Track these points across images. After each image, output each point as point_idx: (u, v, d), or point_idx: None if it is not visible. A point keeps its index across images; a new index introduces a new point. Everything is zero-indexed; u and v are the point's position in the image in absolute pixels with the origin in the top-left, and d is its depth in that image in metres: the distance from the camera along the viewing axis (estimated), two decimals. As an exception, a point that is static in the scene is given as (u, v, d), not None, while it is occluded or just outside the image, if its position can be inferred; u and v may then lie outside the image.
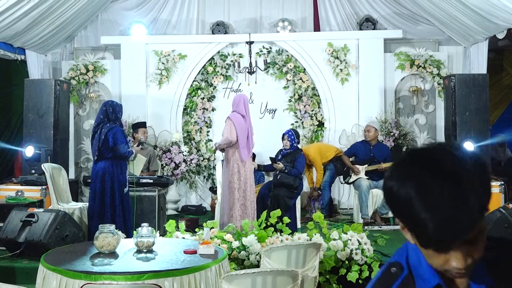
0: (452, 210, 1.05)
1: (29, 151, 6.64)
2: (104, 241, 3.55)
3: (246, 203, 5.74)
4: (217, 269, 3.32)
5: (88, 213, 5.66)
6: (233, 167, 5.73)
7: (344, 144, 8.11)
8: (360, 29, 8.44)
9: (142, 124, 7.53)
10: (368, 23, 8.38)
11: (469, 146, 6.45)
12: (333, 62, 8.32)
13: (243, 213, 5.67)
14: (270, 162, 6.81)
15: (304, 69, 8.43)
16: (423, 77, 8.40)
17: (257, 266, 4.49)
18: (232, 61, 8.52)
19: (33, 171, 6.62)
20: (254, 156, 7.55)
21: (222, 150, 5.91)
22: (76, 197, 7.10)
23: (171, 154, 8.13)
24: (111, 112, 5.60)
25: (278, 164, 6.41)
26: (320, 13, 8.71)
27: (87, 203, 5.85)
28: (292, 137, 6.59)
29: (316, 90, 8.42)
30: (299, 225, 6.50)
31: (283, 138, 6.67)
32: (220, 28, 8.48)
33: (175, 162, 8.13)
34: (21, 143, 6.99)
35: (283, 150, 6.64)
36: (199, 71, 8.52)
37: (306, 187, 7.55)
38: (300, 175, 6.44)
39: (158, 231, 4.80)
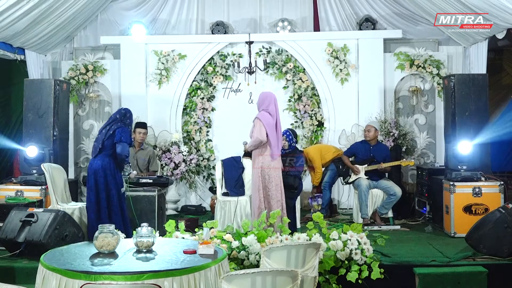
0: None
1: (32, 151, 6.63)
2: (103, 241, 3.55)
3: (271, 201, 5.68)
4: (216, 269, 3.32)
5: (87, 209, 5.69)
6: (257, 166, 5.71)
7: (344, 144, 8.12)
8: (360, 29, 8.45)
9: (141, 124, 7.47)
10: (367, 23, 8.38)
11: (466, 145, 6.45)
12: (333, 62, 8.33)
13: (268, 211, 5.58)
14: None
15: (304, 69, 8.44)
16: (423, 77, 8.40)
17: (257, 266, 4.50)
18: (231, 61, 8.52)
19: (34, 171, 6.62)
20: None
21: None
22: (75, 197, 7.10)
23: (171, 154, 8.13)
24: (127, 116, 5.84)
25: None
26: (320, 13, 8.71)
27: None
28: (290, 137, 6.56)
29: (316, 90, 8.43)
30: (298, 225, 6.50)
31: None
32: (219, 28, 8.48)
33: (174, 162, 8.12)
34: (20, 143, 6.98)
35: (282, 151, 6.62)
36: (199, 71, 8.52)
37: (305, 187, 7.55)
38: (299, 174, 6.43)
39: (158, 231, 4.79)
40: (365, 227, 6.26)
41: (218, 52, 8.52)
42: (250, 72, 8.42)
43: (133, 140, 7.41)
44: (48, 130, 6.85)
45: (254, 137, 5.67)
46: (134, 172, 6.09)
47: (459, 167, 6.49)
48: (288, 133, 6.59)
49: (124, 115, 5.83)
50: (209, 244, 3.56)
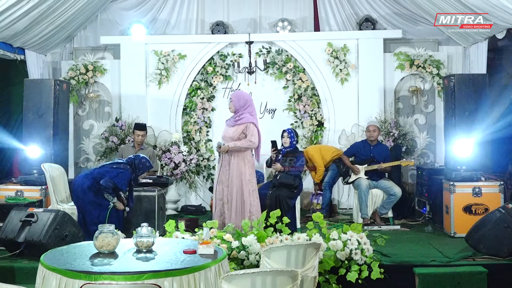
0: None
1: (34, 151, 6.63)
2: (103, 241, 3.55)
3: (258, 203, 5.75)
4: (216, 269, 3.32)
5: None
6: (250, 168, 5.69)
7: (344, 144, 8.11)
8: (360, 29, 8.45)
9: (139, 126, 7.45)
10: (367, 23, 8.39)
11: (466, 145, 6.44)
12: (333, 62, 8.33)
13: (258, 212, 5.64)
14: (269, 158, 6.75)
15: (304, 69, 8.44)
16: (423, 77, 8.40)
17: (257, 266, 4.50)
18: (231, 61, 8.52)
19: (34, 171, 6.62)
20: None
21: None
22: (75, 197, 7.09)
23: (171, 154, 8.13)
24: (137, 163, 5.75)
25: (276, 164, 6.41)
26: (320, 13, 8.71)
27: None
28: (292, 134, 6.59)
29: (316, 90, 8.43)
30: (298, 225, 6.50)
31: (282, 136, 6.66)
32: (219, 28, 8.48)
33: (174, 162, 8.12)
34: (20, 143, 6.99)
35: (283, 149, 6.63)
36: (199, 71, 8.52)
37: (306, 187, 7.55)
38: (299, 174, 6.44)
39: (158, 231, 4.79)
40: (365, 227, 6.27)
41: (218, 52, 8.52)
42: (250, 72, 8.41)
43: (132, 140, 7.43)
44: (48, 130, 6.84)
45: (252, 142, 5.60)
46: (119, 203, 5.63)
47: (459, 167, 6.50)
48: (290, 130, 6.65)
49: (137, 165, 5.73)
50: (209, 244, 3.55)
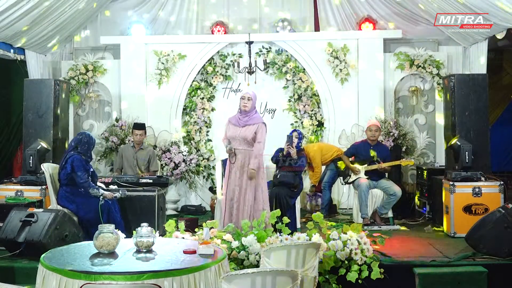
0: None
1: (34, 151, 6.64)
2: (103, 241, 3.55)
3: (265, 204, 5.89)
4: (216, 269, 3.32)
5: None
6: (262, 167, 5.80)
7: (344, 144, 8.11)
8: (360, 29, 8.45)
9: (138, 126, 7.45)
10: (367, 23, 8.39)
11: (466, 145, 6.45)
12: (333, 62, 8.32)
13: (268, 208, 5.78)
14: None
15: (304, 69, 8.43)
16: (423, 77, 8.40)
17: (257, 266, 4.50)
18: (231, 61, 8.52)
19: (34, 171, 6.61)
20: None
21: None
22: (75, 197, 7.08)
23: (171, 154, 8.13)
24: (84, 142, 5.66)
25: (291, 148, 6.38)
26: (320, 13, 8.70)
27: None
28: (300, 136, 6.64)
29: (316, 90, 8.42)
30: (298, 225, 6.50)
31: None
32: (219, 28, 8.48)
33: (174, 162, 8.12)
34: (20, 143, 6.98)
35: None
36: (199, 71, 8.52)
37: (306, 187, 7.55)
38: (300, 173, 6.45)
39: (158, 231, 4.80)
40: (365, 227, 6.27)
41: (218, 52, 8.52)
42: (250, 72, 8.39)
43: (132, 139, 7.43)
44: (48, 130, 6.85)
45: (261, 143, 5.75)
46: (107, 193, 5.64)
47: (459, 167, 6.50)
48: (299, 132, 6.70)
49: (80, 141, 5.65)
50: (209, 244, 3.55)
